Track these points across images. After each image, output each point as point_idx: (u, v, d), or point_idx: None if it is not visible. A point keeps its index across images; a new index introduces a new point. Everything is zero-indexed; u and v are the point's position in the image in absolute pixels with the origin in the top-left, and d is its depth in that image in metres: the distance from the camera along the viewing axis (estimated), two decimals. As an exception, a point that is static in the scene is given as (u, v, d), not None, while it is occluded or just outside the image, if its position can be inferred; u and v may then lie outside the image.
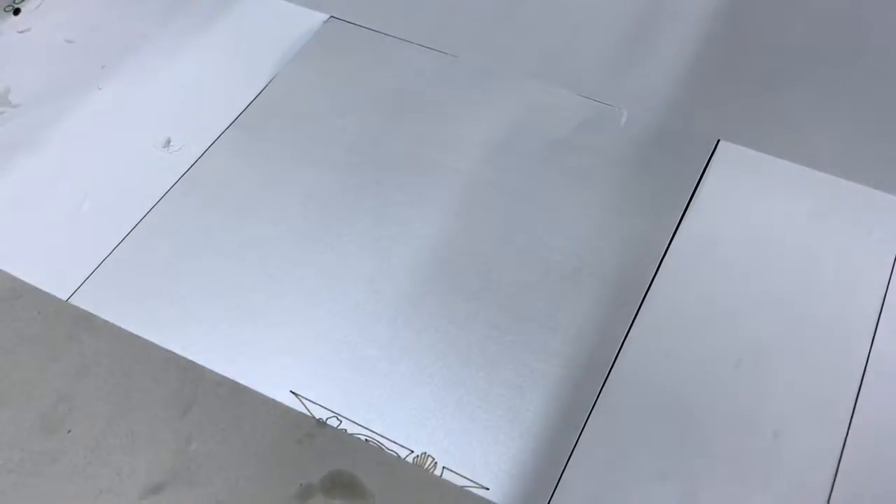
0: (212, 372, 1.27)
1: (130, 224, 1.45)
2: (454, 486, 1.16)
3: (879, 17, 1.37)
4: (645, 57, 1.58)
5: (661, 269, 1.37)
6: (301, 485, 1.16)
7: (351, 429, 1.21)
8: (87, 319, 1.33)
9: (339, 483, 1.16)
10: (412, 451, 1.19)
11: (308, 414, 1.23)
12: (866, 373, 1.26)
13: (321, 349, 1.30)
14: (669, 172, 1.49)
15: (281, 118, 1.60)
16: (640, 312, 1.32)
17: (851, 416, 1.22)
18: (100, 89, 1.68)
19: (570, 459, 1.18)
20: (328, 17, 1.77)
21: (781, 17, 1.56)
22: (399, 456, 1.19)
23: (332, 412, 1.23)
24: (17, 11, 1.83)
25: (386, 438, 1.20)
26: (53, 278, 1.38)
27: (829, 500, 1.15)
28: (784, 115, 1.55)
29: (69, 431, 1.22)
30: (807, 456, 1.19)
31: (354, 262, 1.39)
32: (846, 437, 1.20)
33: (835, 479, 1.17)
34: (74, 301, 1.36)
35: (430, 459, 1.19)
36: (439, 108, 1.60)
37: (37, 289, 1.37)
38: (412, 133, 1.57)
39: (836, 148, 1.51)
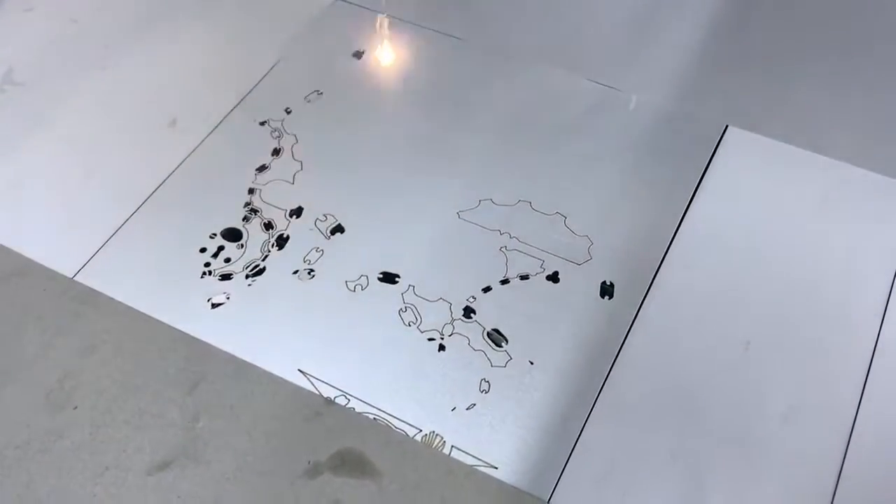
0: (219, 349, 1.26)
1: (136, 202, 1.44)
2: (463, 465, 1.16)
3: (889, 2, 1.37)
4: (654, 42, 1.58)
5: (669, 252, 1.37)
6: (309, 463, 1.16)
7: (359, 407, 1.21)
8: (92, 297, 1.32)
9: (348, 461, 1.16)
10: (420, 430, 1.19)
11: (316, 392, 1.22)
12: (874, 357, 1.26)
13: (329, 328, 1.29)
14: (678, 157, 1.49)
15: (287, 100, 1.59)
16: (648, 295, 1.32)
17: (860, 401, 1.22)
18: (104, 69, 1.66)
19: (579, 440, 1.18)
20: (335, -2, 1.76)
21: (790, 1, 1.55)
22: (407, 435, 1.19)
23: (340, 391, 1.23)
24: (20, -10, 1.82)
25: (394, 417, 1.20)
26: (59, 256, 1.37)
27: (837, 484, 1.15)
28: (793, 100, 1.55)
29: (75, 408, 1.21)
30: (815, 440, 1.19)
31: (366, 243, 1.39)
32: (854, 422, 1.20)
33: (843, 463, 1.17)
34: (80, 278, 1.35)
35: (438, 438, 1.18)
36: (447, 92, 1.60)
37: (43, 266, 1.36)
38: (420, 115, 1.56)
39: (845, 134, 1.51)
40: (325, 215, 1.42)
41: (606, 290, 1.32)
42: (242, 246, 1.39)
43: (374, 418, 1.20)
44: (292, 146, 1.52)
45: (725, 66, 1.59)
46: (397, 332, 1.29)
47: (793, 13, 1.45)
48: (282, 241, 1.39)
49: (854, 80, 1.55)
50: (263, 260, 1.37)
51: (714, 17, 1.67)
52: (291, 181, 1.47)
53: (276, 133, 1.54)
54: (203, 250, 1.38)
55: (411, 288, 1.33)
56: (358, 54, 1.67)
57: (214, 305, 1.32)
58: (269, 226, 1.41)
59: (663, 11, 1.68)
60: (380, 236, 1.39)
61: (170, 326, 1.29)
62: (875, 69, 1.50)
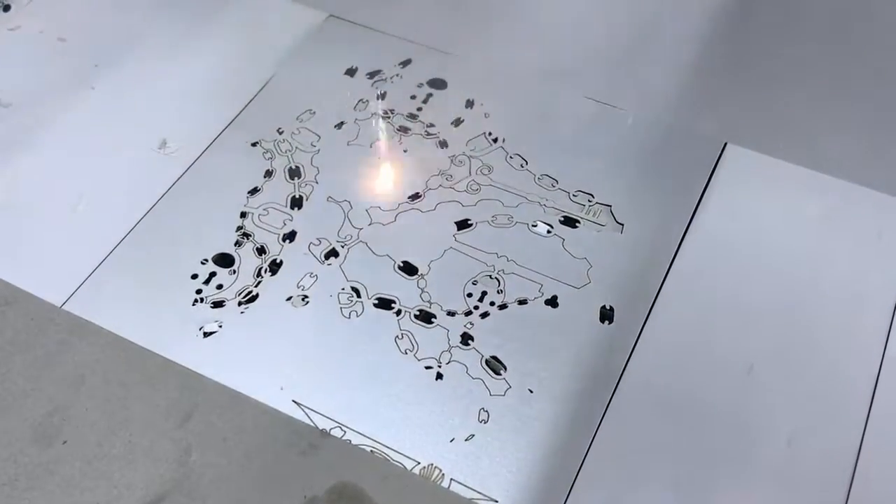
0: (211, 380, 1.24)
1: (126, 227, 1.41)
2: (462, 498, 1.13)
3: (886, 19, 1.35)
4: (651, 59, 1.56)
5: (670, 273, 1.35)
6: (305, 497, 1.13)
7: (355, 439, 1.18)
8: (82, 326, 1.29)
9: (344, 495, 1.13)
10: (419, 463, 1.16)
11: (311, 424, 1.20)
12: (880, 377, 1.24)
13: (324, 356, 1.26)
14: (677, 176, 1.47)
15: (279, 120, 1.56)
16: (649, 317, 1.30)
17: (866, 422, 1.20)
18: (93, 89, 1.63)
19: (581, 469, 1.16)
20: (327, 15, 1.73)
21: (789, 18, 1.54)
22: (405, 467, 1.16)
23: (336, 422, 1.20)
24: (6, 8, 1.79)
25: (391, 449, 1.17)
26: (47, 284, 1.34)
27: (844, 510, 1.13)
28: (791, 118, 1.53)
29: (64, 443, 1.18)
30: (821, 464, 1.17)
31: (361, 267, 1.36)
32: (861, 444, 1.18)
33: (850, 488, 1.15)
34: (69, 307, 1.32)
35: (437, 471, 1.16)
36: (442, 110, 1.57)
37: (30, 295, 1.33)
38: (412, 133, 1.54)
39: (844, 151, 1.49)
40: (318, 239, 1.40)
41: (606, 315, 1.30)
42: (235, 272, 1.36)
43: (371, 450, 1.17)
44: (285, 168, 1.49)
45: (724, 84, 1.57)
46: (394, 360, 1.26)
47: (792, 30, 1.44)
48: (275, 267, 1.37)
49: (854, 97, 1.53)
50: (256, 286, 1.34)
51: (712, 34, 1.65)
52: (284, 204, 1.44)
53: (269, 154, 1.51)
54: (194, 277, 1.35)
55: (407, 313, 1.31)
56: (351, 72, 1.64)
57: (206, 334, 1.29)
58: (261, 251, 1.38)
59: (661, 29, 1.66)
60: (375, 260, 1.37)
61: (161, 356, 1.26)
62: (876, 86, 1.48)
